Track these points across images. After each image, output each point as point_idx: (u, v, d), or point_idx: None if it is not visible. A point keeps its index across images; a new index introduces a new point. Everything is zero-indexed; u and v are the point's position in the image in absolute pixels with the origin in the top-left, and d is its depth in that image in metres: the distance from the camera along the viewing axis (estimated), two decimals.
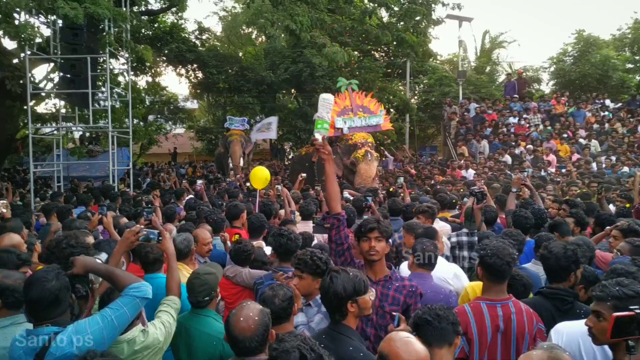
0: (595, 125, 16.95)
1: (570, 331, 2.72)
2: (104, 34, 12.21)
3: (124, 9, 12.32)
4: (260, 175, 7.72)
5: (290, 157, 28.04)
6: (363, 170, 10.74)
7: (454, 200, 7.35)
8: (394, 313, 2.93)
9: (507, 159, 14.85)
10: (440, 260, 4.14)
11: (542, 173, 11.96)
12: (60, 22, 11.42)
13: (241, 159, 16.20)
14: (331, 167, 3.37)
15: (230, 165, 16.22)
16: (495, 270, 2.94)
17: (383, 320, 3.08)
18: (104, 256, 3.01)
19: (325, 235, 5.19)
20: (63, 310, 2.43)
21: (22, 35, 9.84)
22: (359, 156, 10.85)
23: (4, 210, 5.55)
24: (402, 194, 8.25)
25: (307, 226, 6.00)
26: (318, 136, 3.26)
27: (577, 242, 3.92)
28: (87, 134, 19.60)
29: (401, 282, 3.21)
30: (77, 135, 20.17)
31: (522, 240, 4.26)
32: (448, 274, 4.12)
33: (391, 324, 2.72)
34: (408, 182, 11.05)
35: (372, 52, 25.39)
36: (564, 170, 11.71)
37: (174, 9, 20.70)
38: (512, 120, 18.09)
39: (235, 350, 2.35)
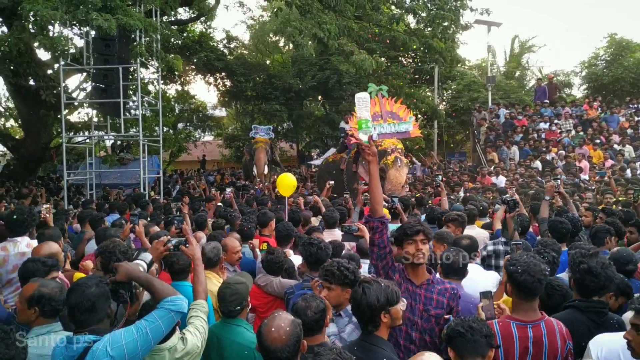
0: (629, 130, 16.52)
1: (610, 344, 2.64)
2: (135, 44, 12.45)
3: (154, 19, 12.55)
4: (287, 183, 7.71)
5: (317, 163, 28.09)
6: (393, 176, 10.62)
7: (481, 208, 7.21)
8: (445, 316, 2.95)
9: (538, 165, 14.58)
10: (476, 268, 4.05)
11: (576, 180, 11.68)
12: (92, 32, 11.69)
13: (265, 166, 16.31)
14: (375, 168, 3.28)
15: (255, 172, 16.32)
16: (526, 288, 2.79)
17: (428, 324, 3.04)
18: (148, 256, 3.03)
19: (353, 244, 5.17)
20: (100, 318, 2.47)
21: (57, 47, 10.10)
22: (389, 162, 10.73)
23: (47, 215, 5.67)
24: (440, 194, 8.09)
25: (331, 234, 5.94)
26: (363, 137, 3.19)
27: (619, 254, 3.82)
28: (118, 142, 20.01)
29: (443, 285, 3.18)
30: (108, 143, 20.60)
31: (558, 249, 4.14)
32: (488, 283, 3.99)
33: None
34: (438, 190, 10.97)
35: (400, 58, 25.28)
36: (605, 177, 11.32)
37: (202, 19, 21.04)
38: (542, 125, 17.77)
39: None
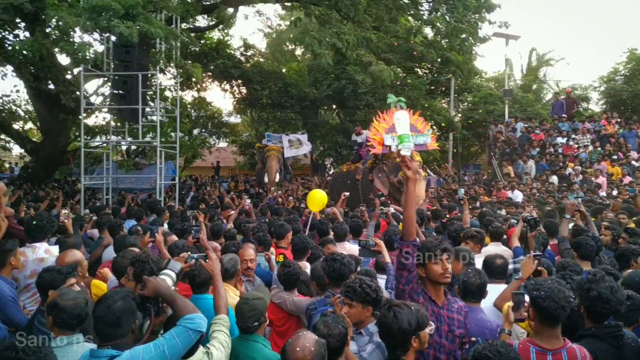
0: None
1: None
2: (155, 51, 12.56)
3: (174, 26, 12.65)
4: (318, 199, 7.66)
5: (330, 172, 28.11)
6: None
7: (500, 231, 6.91)
8: (473, 339, 2.95)
9: (555, 180, 14.44)
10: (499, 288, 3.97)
11: (595, 197, 11.52)
12: (113, 38, 11.82)
13: (277, 174, 16.32)
14: (413, 187, 3.19)
15: (266, 180, 16.35)
16: (549, 315, 2.73)
17: (453, 345, 3.01)
18: (178, 266, 3.02)
19: (370, 259, 5.13)
20: (124, 333, 2.49)
21: (79, 54, 10.21)
22: None
23: (66, 221, 5.71)
24: (463, 208, 7.92)
25: (342, 247, 5.90)
26: (406, 152, 3.12)
27: (630, 278, 3.75)
28: (133, 147, 20.16)
29: (457, 304, 3.16)
30: (124, 147, 20.77)
31: (579, 271, 4.07)
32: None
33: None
34: (453, 203, 10.85)
35: (416, 69, 25.26)
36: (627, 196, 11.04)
37: (220, 26, 21.20)
38: (560, 140, 17.61)
39: None
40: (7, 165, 25.33)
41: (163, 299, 2.78)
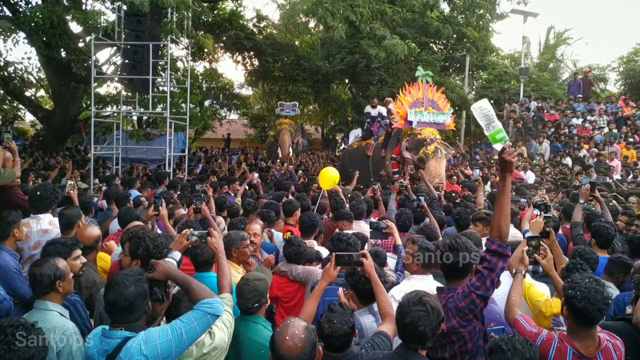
0: None
1: None
2: (166, 20, 12.39)
3: None
4: (330, 177, 7.53)
5: (341, 148, 27.97)
6: (432, 167, 10.14)
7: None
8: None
9: (569, 162, 14.23)
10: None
11: (608, 180, 11.33)
12: (124, 7, 11.67)
13: (290, 148, 16.24)
14: (509, 181, 2.78)
15: (280, 154, 16.27)
16: (585, 317, 2.62)
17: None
18: (177, 255, 3.06)
19: (379, 241, 5.06)
20: (138, 316, 2.48)
21: (90, 22, 10.10)
22: (430, 152, 10.26)
23: (72, 192, 5.70)
24: (478, 190, 7.83)
25: (357, 226, 5.86)
26: (499, 147, 2.84)
27: None
28: (144, 117, 20.10)
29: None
30: (135, 117, 20.71)
31: (595, 258, 3.96)
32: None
33: None
34: (462, 184, 10.71)
35: (430, 44, 24.82)
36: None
37: None
38: (575, 121, 17.31)
39: None
40: (32, 132, 25.19)
41: (177, 283, 2.76)
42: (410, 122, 10.80)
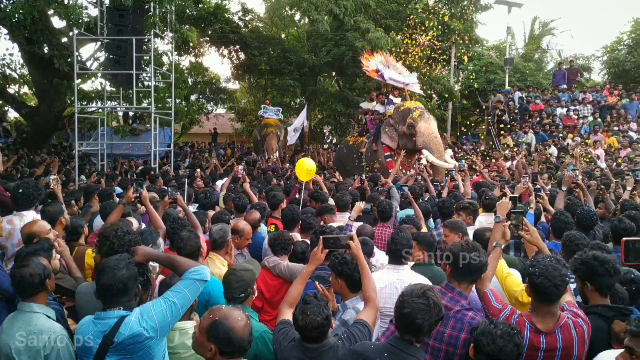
0: None
1: None
2: (149, 14, 12.28)
3: None
4: (305, 168, 7.51)
5: (328, 140, 27.95)
6: (423, 128, 10.16)
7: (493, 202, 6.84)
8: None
9: (554, 151, 14.34)
10: None
11: (586, 169, 11.42)
12: (107, 1, 11.56)
13: (276, 153, 16.55)
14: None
15: (267, 156, 16.44)
16: (543, 293, 2.72)
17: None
18: (160, 241, 3.21)
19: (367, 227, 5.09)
20: (130, 297, 2.58)
21: (72, 16, 9.99)
22: (416, 116, 10.29)
23: (55, 187, 5.65)
24: (463, 181, 7.95)
25: (342, 217, 5.88)
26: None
27: None
28: (131, 113, 19.96)
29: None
30: (120, 113, 20.55)
31: (586, 244, 3.87)
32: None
33: None
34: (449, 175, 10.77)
35: (415, 36, 24.81)
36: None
37: None
38: (559, 111, 17.45)
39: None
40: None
41: (160, 262, 2.89)
42: (382, 76, 11.00)
